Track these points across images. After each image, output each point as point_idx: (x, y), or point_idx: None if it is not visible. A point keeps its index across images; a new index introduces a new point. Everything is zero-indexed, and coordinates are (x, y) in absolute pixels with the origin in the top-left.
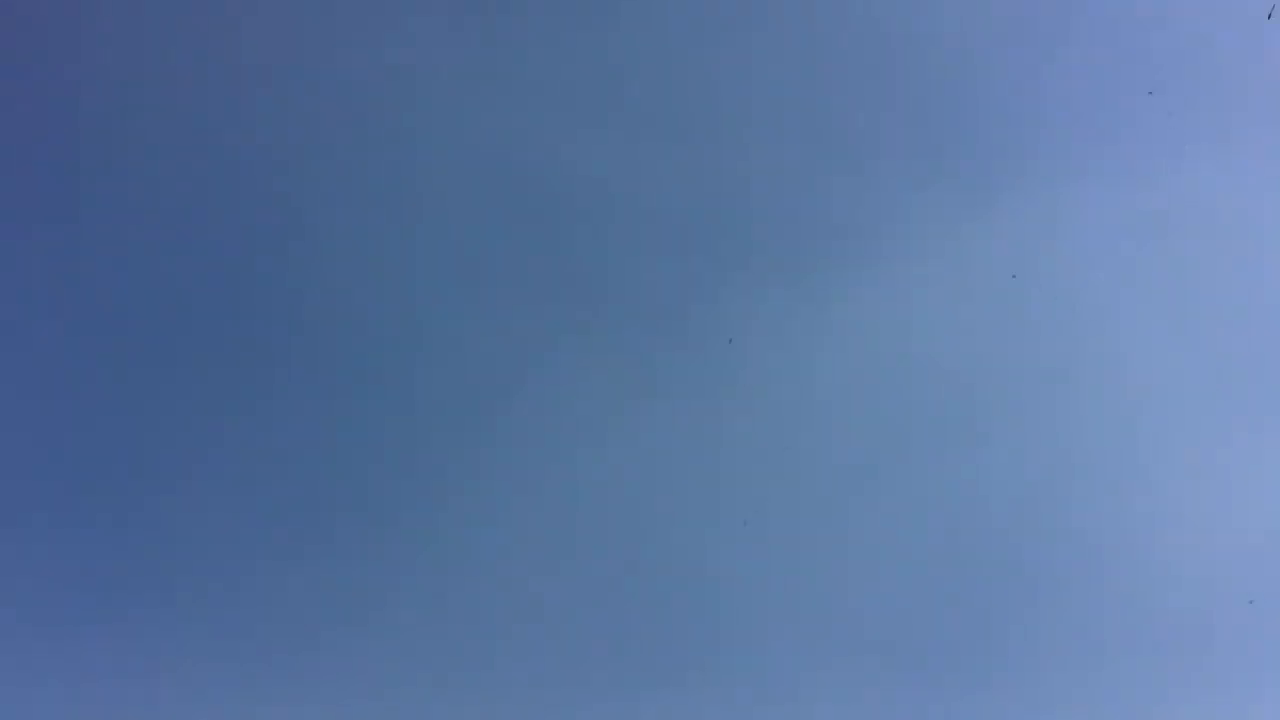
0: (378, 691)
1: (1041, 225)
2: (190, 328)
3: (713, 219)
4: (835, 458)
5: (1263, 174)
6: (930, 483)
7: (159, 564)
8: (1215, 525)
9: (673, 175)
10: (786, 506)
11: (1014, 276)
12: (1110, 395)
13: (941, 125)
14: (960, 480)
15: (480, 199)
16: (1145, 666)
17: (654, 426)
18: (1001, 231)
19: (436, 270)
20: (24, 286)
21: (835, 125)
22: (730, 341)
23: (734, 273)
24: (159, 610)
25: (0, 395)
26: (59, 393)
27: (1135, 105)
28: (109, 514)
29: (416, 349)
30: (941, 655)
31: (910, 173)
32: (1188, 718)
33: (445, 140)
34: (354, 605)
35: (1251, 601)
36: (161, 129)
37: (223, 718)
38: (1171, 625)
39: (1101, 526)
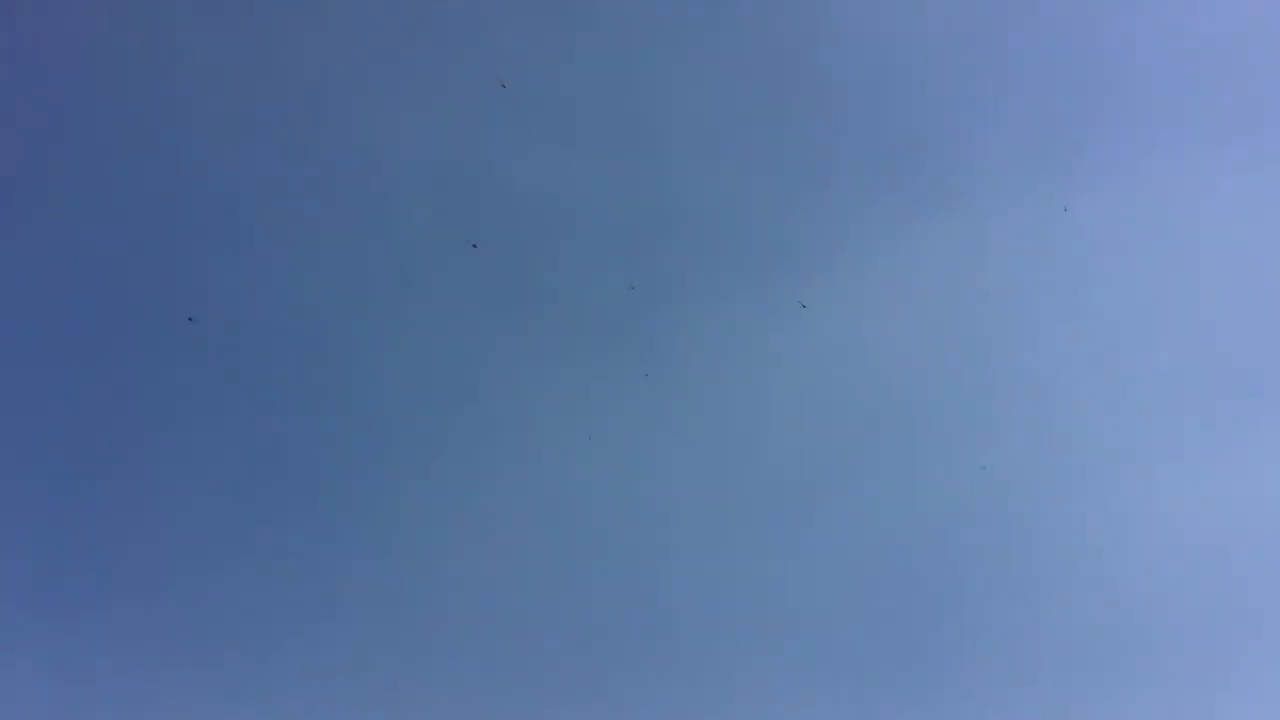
0: (341, 690)
1: (984, 239)
2: (138, 342)
3: (663, 232)
4: (782, 465)
5: (1197, 189)
6: (876, 488)
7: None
8: (1158, 531)
9: (624, 189)
10: (734, 512)
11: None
12: (1053, 403)
13: (889, 142)
14: (907, 488)
15: (435, 211)
16: (1087, 673)
17: (605, 434)
18: (947, 244)
19: (385, 279)
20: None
21: (785, 142)
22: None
23: (684, 285)
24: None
25: None
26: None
27: (1074, 124)
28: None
29: (369, 355)
30: (888, 664)
31: (858, 187)
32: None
33: (398, 152)
34: (309, 605)
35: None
36: (122, 135)
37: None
38: (1115, 632)
39: (1045, 532)
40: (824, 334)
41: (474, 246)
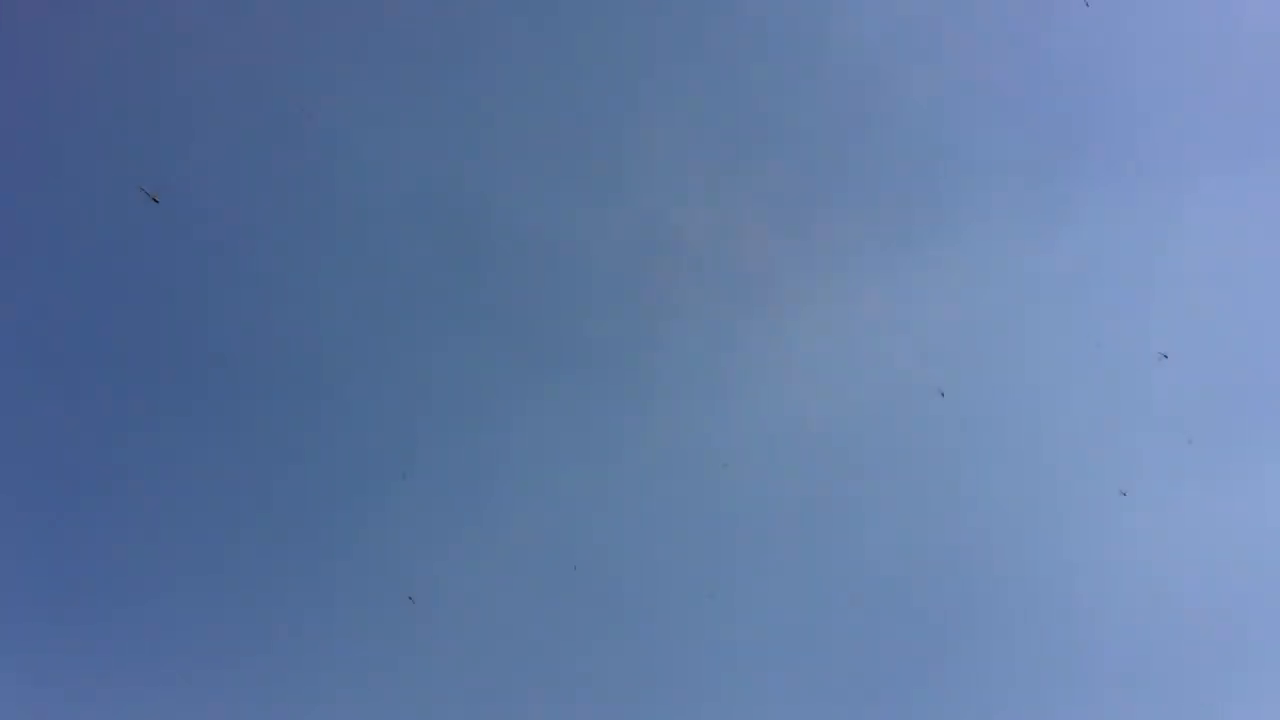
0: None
1: (968, 272)
2: (126, 382)
3: (648, 266)
4: (781, 492)
5: (1202, 211)
6: (877, 515)
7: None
8: (1161, 558)
9: (609, 223)
10: (729, 537)
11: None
12: (1052, 427)
13: (884, 165)
14: (905, 515)
15: (419, 245)
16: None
17: (592, 468)
18: (930, 279)
19: (372, 314)
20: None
21: (769, 176)
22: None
23: (669, 319)
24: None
25: None
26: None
27: (1073, 146)
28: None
29: (355, 391)
30: (886, 691)
31: (854, 212)
32: None
33: (385, 185)
34: (305, 628)
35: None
36: (112, 159)
37: None
38: (1115, 663)
39: (1043, 558)
40: (821, 360)
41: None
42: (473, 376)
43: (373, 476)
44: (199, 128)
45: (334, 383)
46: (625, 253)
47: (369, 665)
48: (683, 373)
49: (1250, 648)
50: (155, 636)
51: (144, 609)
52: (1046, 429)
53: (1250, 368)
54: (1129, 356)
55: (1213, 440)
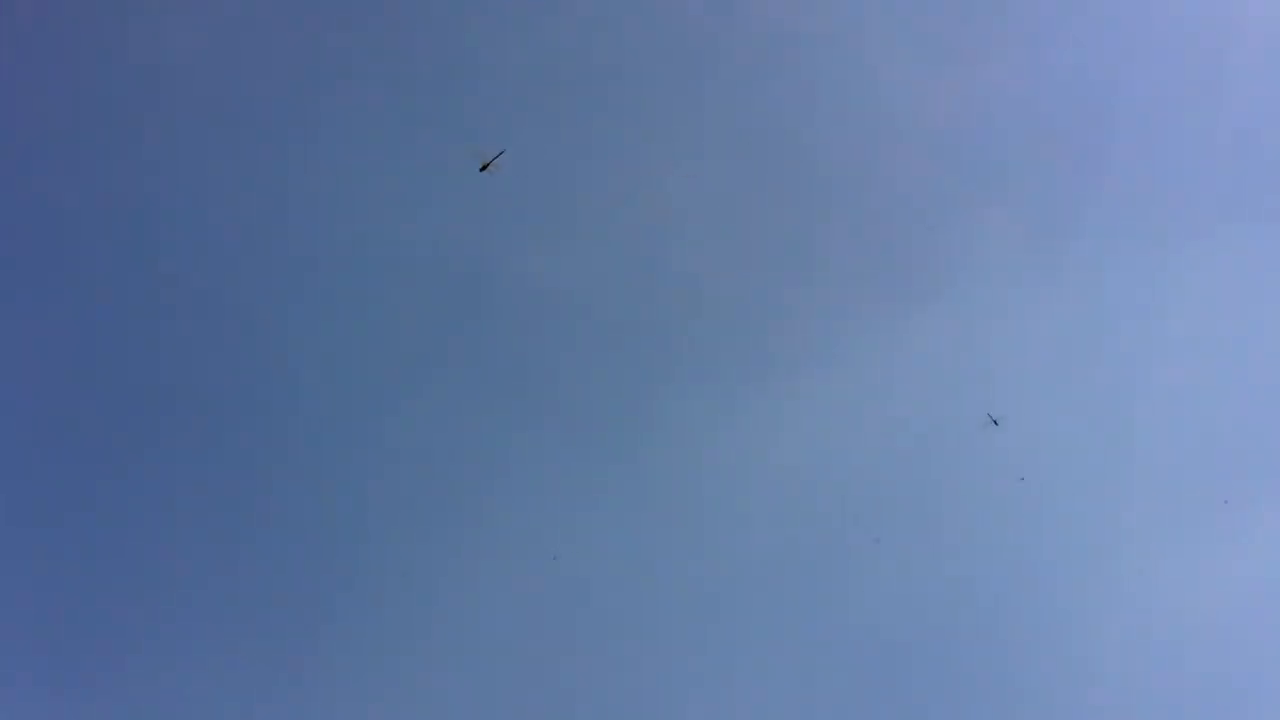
0: None
1: (976, 329)
2: (132, 456)
3: (663, 324)
4: (783, 554)
5: (1192, 278)
6: (874, 578)
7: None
8: (1158, 621)
9: (620, 282)
10: (737, 602)
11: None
12: (1047, 493)
13: (881, 234)
14: (901, 580)
15: (439, 303)
16: None
17: (607, 524)
18: (938, 335)
19: (391, 371)
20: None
21: (783, 235)
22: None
23: (684, 376)
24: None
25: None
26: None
27: (1067, 215)
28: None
29: (371, 447)
30: None
31: (851, 279)
32: None
33: (402, 248)
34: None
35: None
36: (111, 233)
37: None
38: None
39: (1039, 619)
40: (819, 425)
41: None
42: (478, 428)
43: (380, 541)
44: (210, 191)
45: (337, 438)
46: (629, 306)
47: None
48: (686, 426)
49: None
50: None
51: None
52: (1048, 487)
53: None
54: (1127, 409)
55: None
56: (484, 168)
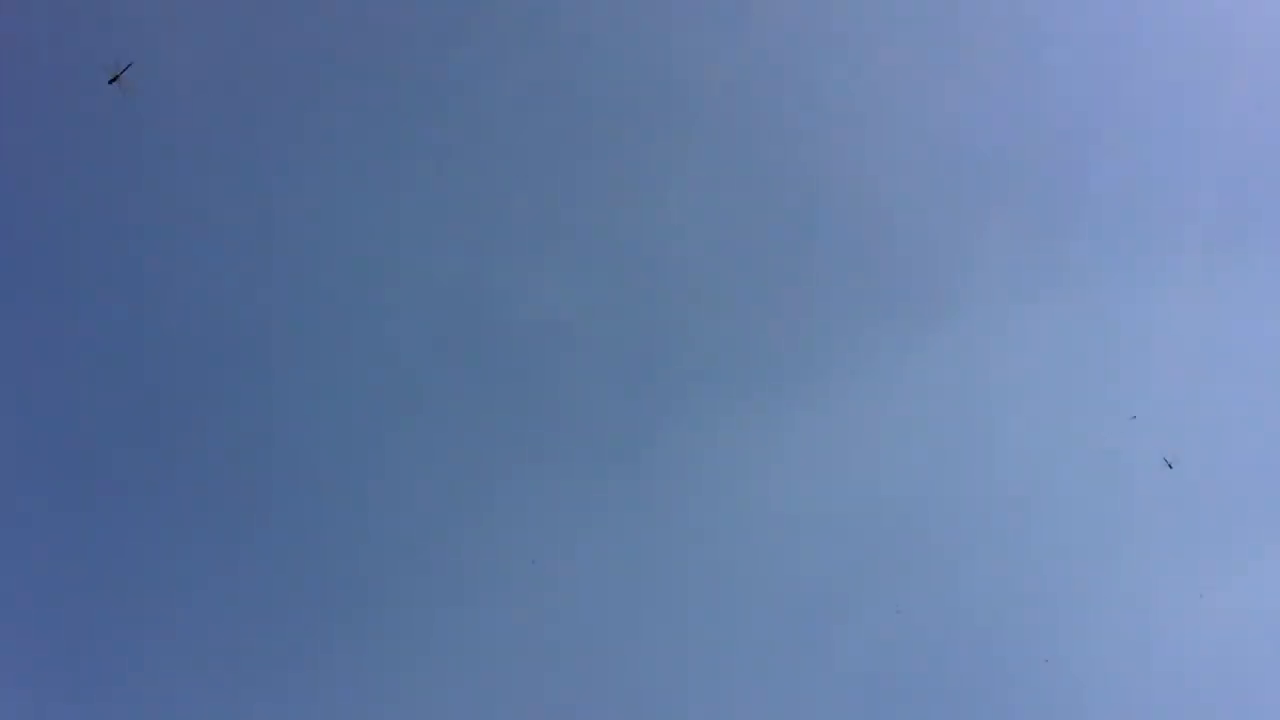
0: None
1: (983, 348)
2: (143, 478)
3: (663, 351)
4: (785, 579)
5: (1200, 294)
6: (882, 602)
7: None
8: (1171, 650)
9: (622, 310)
10: (740, 631)
11: None
12: (1058, 513)
13: (886, 254)
14: (910, 601)
15: (442, 335)
16: None
17: (609, 552)
18: (940, 361)
19: (392, 399)
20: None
21: (780, 260)
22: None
23: (684, 403)
24: None
25: None
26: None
27: (1072, 233)
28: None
29: (379, 477)
30: None
31: (852, 305)
32: None
33: (407, 281)
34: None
35: None
36: (123, 268)
37: None
38: None
39: (1052, 644)
40: (825, 447)
41: None
42: (481, 463)
43: (385, 563)
44: (216, 223)
45: (342, 474)
46: (627, 324)
47: None
48: (688, 459)
49: None
50: None
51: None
52: (1055, 516)
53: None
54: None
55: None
56: (114, 80)
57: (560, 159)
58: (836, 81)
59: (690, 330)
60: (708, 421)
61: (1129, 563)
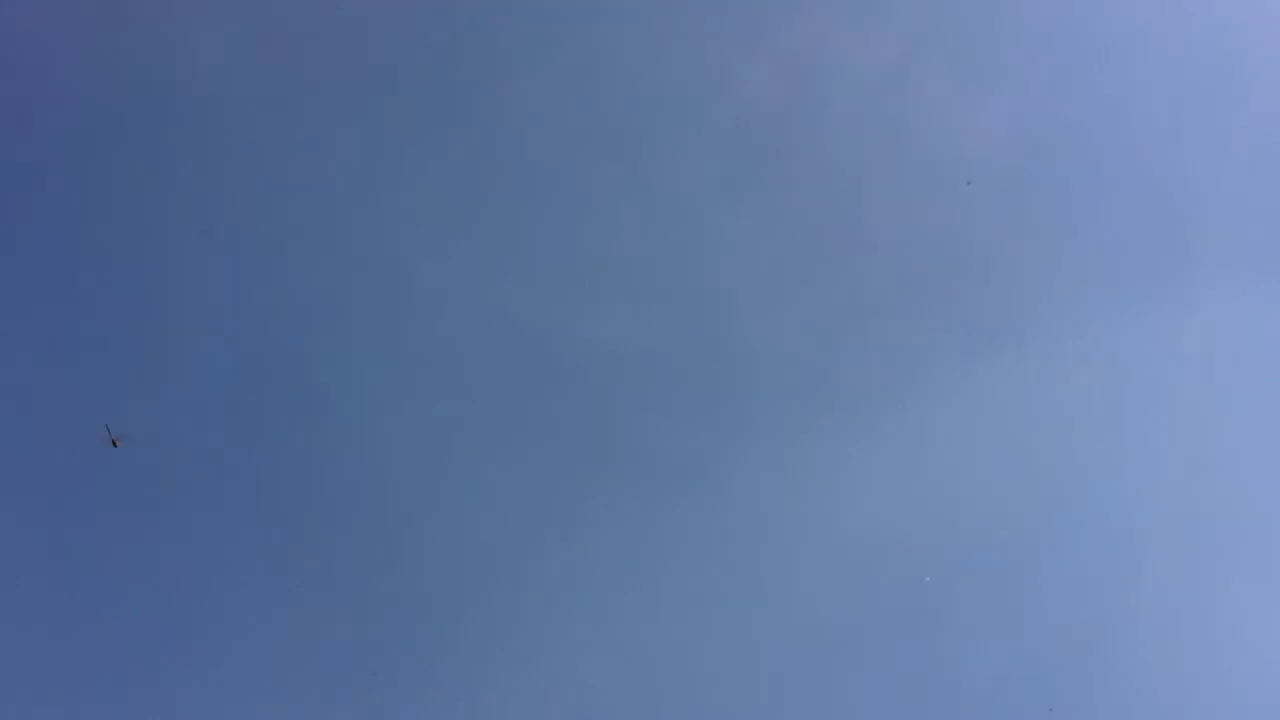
0: None
1: (1051, 374)
2: (197, 499)
3: (721, 379)
4: (851, 615)
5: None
6: (951, 637)
7: None
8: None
9: (677, 338)
10: (806, 668)
11: None
12: (1126, 542)
13: (951, 278)
14: (984, 633)
15: (490, 368)
16: None
17: (668, 589)
18: (1007, 384)
19: (447, 437)
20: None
21: (840, 283)
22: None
23: (743, 432)
24: None
25: None
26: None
27: (1142, 258)
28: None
29: (427, 512)
30: None
31: (914, 329)
32: None
33: (452, 312)
34: None
35: None
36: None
37: None
38: None
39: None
40: (891, 474)
41: None
42: (542, 494)
43: (449, 604)
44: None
45: (403, 511)
46: (684, 358)
47: None
48: (755, 487)
49: None
50: None
51: None
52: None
53: None
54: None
55: None
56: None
57: (613, 186)
58: (892, 100)
59: (753, 357)
60: (774, 449)
61: (1218, 595)
